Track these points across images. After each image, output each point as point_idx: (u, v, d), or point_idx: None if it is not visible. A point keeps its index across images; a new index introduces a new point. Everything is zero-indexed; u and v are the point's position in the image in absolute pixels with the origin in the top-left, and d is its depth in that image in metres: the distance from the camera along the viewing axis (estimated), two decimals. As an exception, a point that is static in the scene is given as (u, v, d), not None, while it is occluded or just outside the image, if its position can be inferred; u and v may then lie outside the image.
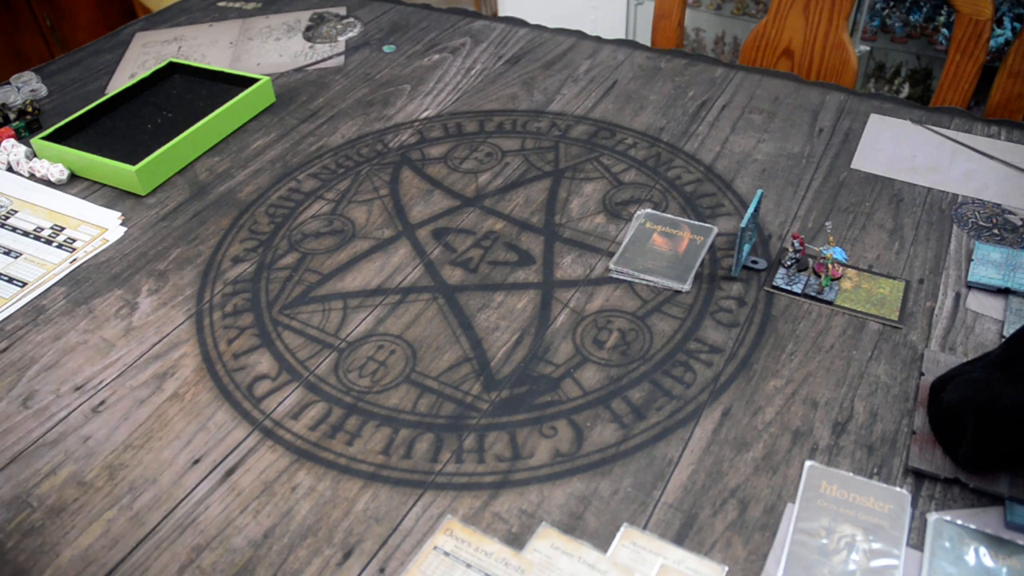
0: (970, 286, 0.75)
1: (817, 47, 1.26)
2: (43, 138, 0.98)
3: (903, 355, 0.69)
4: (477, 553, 0.56)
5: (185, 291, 0.80)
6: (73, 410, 0.69)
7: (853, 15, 1.75)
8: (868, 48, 2.18)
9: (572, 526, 0.58)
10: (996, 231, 0.81)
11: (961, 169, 0.90)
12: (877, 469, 0.60)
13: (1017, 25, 1.99)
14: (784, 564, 0.55)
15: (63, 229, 0.89)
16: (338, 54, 1.22)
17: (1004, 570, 0.53)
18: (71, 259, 0.85)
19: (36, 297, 0.81)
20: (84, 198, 0.94)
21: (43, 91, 1.15)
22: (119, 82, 1.17)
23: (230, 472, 0.63)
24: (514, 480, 0.61)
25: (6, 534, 0.60)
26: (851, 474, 0.60)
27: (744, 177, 0.91)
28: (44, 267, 0.84)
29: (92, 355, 0.74)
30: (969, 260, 0.78)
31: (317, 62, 1.20)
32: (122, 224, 0.90)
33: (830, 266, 0.76)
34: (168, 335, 0.76)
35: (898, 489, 0.58)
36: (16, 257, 0.85)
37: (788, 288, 0.76)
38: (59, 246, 0.87)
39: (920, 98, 2.21)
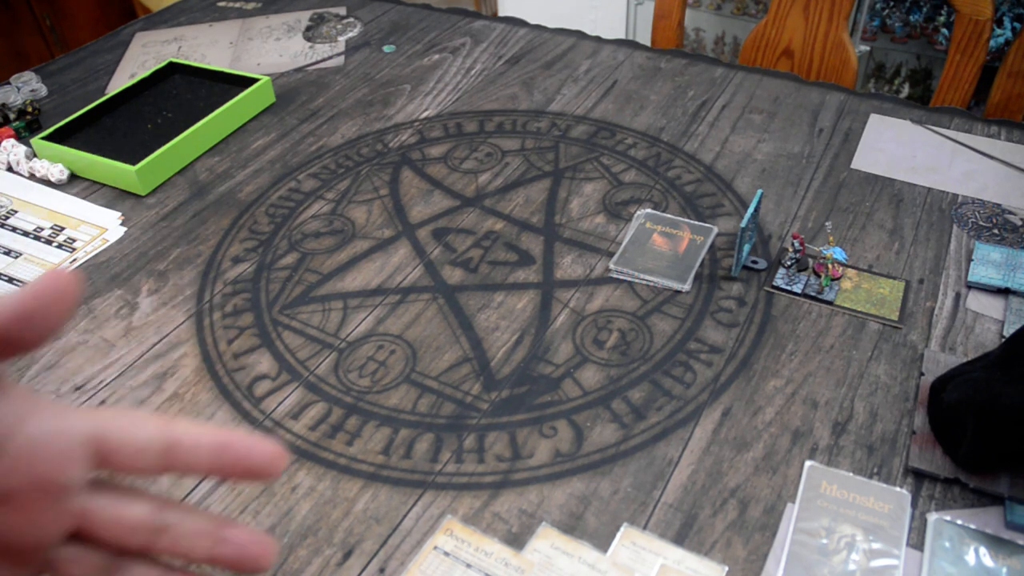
0: (970, 286, 0.75)
1: (817, 47, 1.26)
2: (43, 138, 0.98)
3: (903, 355, 0.69)
4: (477, 553, 0.56)
5: (185, 291, 0.80)
6: (73, 410, 0.69)
7: (853, 15, 1.75)
8: (868, 48, 2.18)
9: (572, 526, 0.58)
10: (996, 231, 0.81)
11: (961, 169, 0.90)
12: (877, 469, 0.60)
13: (1017, 25, 1.99)
14: (784, 564, 0.55)
15: (63, 229, 0.89)
16: (338, 54, 1.22)
17: (1004, 570, 0.53)
18: (71, 259, 0.85)
19: (36, 297, 0.81)
20: (84, 198, 0.94)
21: (43, 91, 1.15)
22: (119, 82, 1.17)
23: (230, 472, 0.63)
24: (514, 480, 0.61)
25: None
26: (851, 474, 0.60)
27: (744, 177, 0.91)
28: (44, 267, 0.84)
29: (92, 355, 0.74)
30: (969, 260, 0.78)
31: (317, 62, 1.20)
32: (122, 224, 0.90)
33: (830, 266, 0.76)
34: (168, 335, 0.76)
35: (898, 489, 0.59)
36: (16, 257, 0.85)
37: (788, 288, 0.76)
38: (59, 246, 0.87)
39: (920, 98, 2.21)
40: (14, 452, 0.26)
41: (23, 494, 0.26)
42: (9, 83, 1.15)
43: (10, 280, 0.82)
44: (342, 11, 1.34)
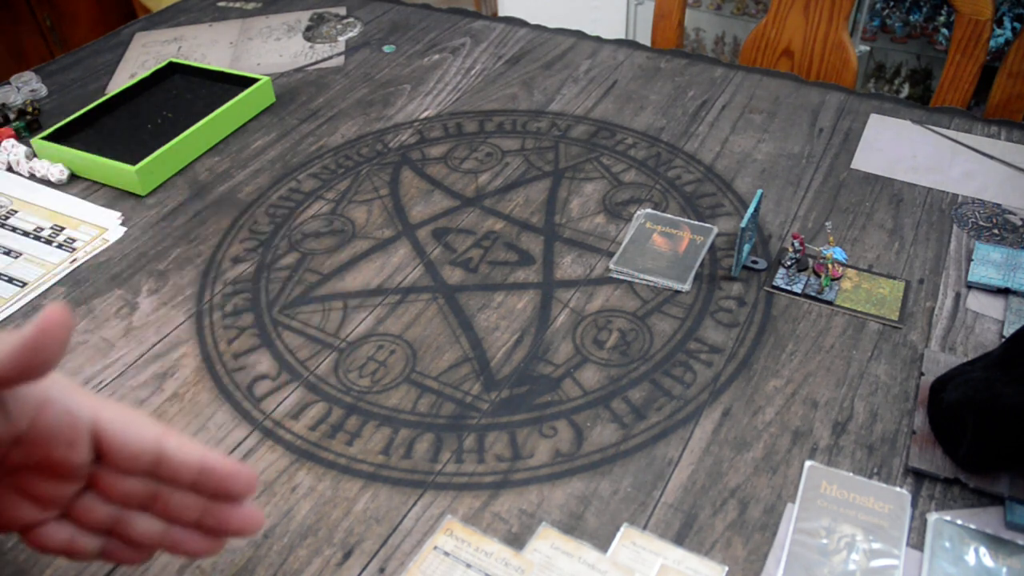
0: (970, 286, 0.75)
1: (817, 47, 1.26)
2: (43, 138, 0.98)
3: (903, 355, 0.69)
4: (477, 553, 0.56)
5: (185, 291, 0.80)
6: (73, 410, 0.69)
7: (853, 15, 1.75)
8: (868, 48, 2.18)
9: (572, 526, 0.58)
10: (996, 231, 0.81)
11: (961, 169, 0.90)
12: (877, 469, 0.60)
13: (1017, 25, 1.99)
14: (784, 564, 0.55)
15: (63, 229, 0.89)
16: (338, 54, 1.22)
17: (1004, 570, 0.53)
18: (71, 259, 0.85)
19: (36, 297, 0.81)
20: (84, 198, 0.94)
21: (43, 91, 1.15)
22: (119, 82, 1.17)
23: (230, 472, 0.63)
24: (514, 480, 0.61)
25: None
26: (851, 474, 0.60)
27: (744, 177, 0.91)
28: (44, 267, 0.84)
29: (92, 355, 0.74)
30: (969, 260, 0.78)
31: (317, 62, 1.20)
32: (122, 224, 0.90)
33: (830, 266, 0.76)
34: (168, 335, 0.76)
35: (898, 489, 0.59)
36: (16, 257, 0.85)
37: (788, 288, 0.76)
38: (59, 246, 0.87)
39: (920, 98, 2.21)
40: (32, 438, 0.33)
41: (40, 468, 0.34)
42: (9, 83, 1.15)
43: (10, 280, 0.82)
44: (342, 11, 1.34)
